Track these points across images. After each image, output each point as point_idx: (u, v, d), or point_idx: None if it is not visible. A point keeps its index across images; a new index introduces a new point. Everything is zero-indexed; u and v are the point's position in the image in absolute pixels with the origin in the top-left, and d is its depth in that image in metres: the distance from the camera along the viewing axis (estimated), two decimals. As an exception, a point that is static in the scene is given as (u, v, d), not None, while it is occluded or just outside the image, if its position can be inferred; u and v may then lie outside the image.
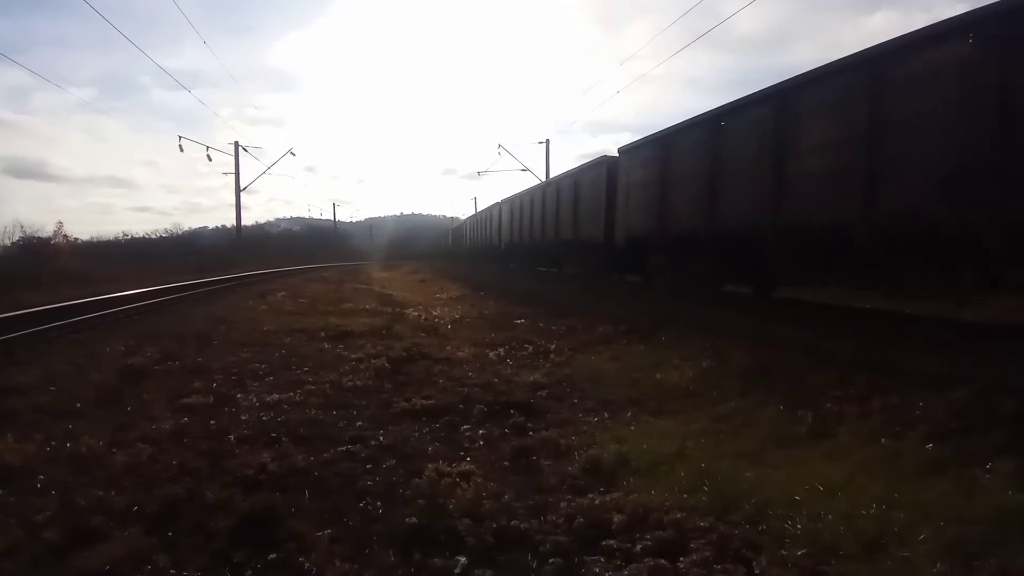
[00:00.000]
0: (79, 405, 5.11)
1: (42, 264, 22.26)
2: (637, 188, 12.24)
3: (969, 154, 5.67)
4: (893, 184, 6.41)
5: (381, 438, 4.34)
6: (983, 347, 5.57)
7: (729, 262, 9.98)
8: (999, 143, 5.34)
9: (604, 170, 14.16)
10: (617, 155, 13.55)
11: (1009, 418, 3.85)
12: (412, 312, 12.50)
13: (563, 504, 3.19)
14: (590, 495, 3.29)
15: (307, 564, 2.62)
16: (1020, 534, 2.58)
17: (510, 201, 24.34)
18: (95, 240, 40.63)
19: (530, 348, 7.99)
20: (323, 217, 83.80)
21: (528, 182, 36.51)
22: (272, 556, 2.69)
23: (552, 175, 26.97)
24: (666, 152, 11.13)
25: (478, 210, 40.33)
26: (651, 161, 11.67)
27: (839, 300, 9.52)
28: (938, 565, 2.45)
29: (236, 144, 38.64)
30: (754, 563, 2.56)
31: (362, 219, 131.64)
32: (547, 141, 35.57)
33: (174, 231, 49.25)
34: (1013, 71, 5.23)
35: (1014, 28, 5.20)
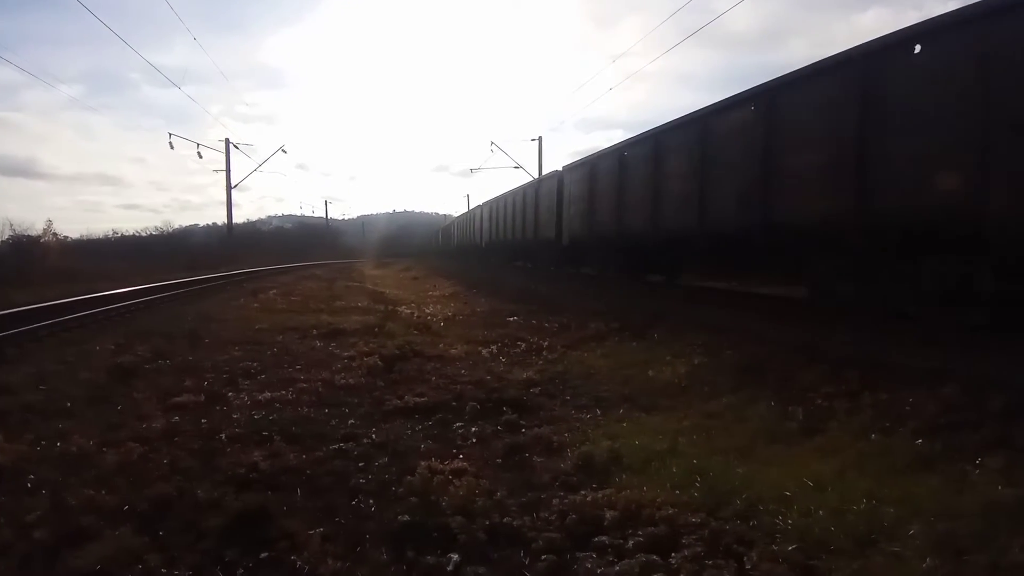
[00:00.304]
0: (69, 404, 5.08)
1: (32, 263, 22.13)
2: (575, 199, 15.43)
3: (749, 181, 8.38)
4: (713, 202, 9.32)
5: (373, 436, 4.34)
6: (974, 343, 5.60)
7: (637, 258, 13.03)
8: (765, 173, 8.04)
9: (556, 182, 17.19)
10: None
11: (998, 414, 3.88)
12: (404, 310, 12.48)
13: (555, 501, 3.19)
14: (582, 492, 3.30)
15: (299, 563, 2.61)
16: (1010, 529, 2.60)
17: (489, 204, 27.93)
18: (85, 238, 40.45)
19: (523, 345, 7.99)
20: (315, 215, 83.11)
21: (521, 179, 36.61)
22: (264, 555, 2.67)
23: (544, 172, 27.43)
24: (592, 172, 14.28)
25: (466, 210, 43.26)
26: (583, 179, 14.84)
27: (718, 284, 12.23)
28: (928, 560, 2.46)
29: (227, 141, 38.40)
30: (745, 558, 2.57)
31: (354, 217, 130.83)
32: (540, 138, 35.50)
33: (164, 229, 49.02)
34: (772, 129, 8.01)
35: (773, 101, 8.04)
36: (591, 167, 14.43)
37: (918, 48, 6.22)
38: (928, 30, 6.16)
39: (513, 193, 23.04)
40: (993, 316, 5.73)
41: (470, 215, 35.76)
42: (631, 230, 12.13)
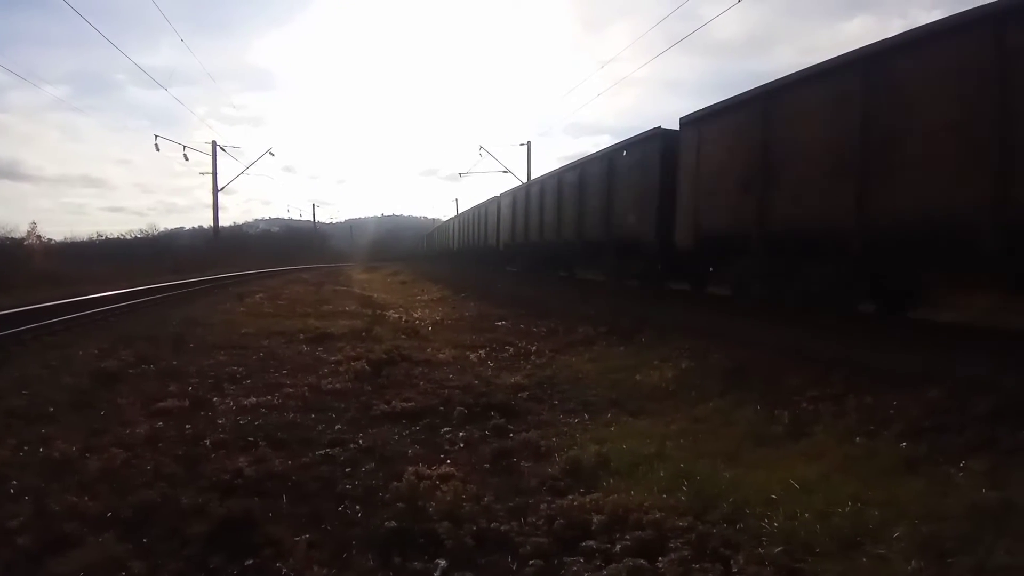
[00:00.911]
0: (52, 409, 5.01)
1: (15, 266, 21.83)
2: (505, 217, 22.18)
3: (645, 199, 11.87)
4: (581, 221, 14.78)
5: (360, 441, 4.31)
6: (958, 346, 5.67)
7: (548, 259, 18.46)
8: (658, 201, 11.61)
9: (496, 203, 23.85)
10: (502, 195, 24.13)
11: (982, 417, 3.92)
12: (392, 314, 12.43)
13: (543, 506, 3.19)
14: (570, 496, 3.29)
15: (284, 570, 2.59)
16: (993, 531, 2.63)
17: (458, 217, 37.55)
18: (69, 241, 40.07)
19: (511, 350, 7.99)
20: (302, 218, 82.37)
21: (509, 184, 37.06)
22: (249, 562, 2.65)
23: (533, 177, 28.05)
24: (514, 199, 20.86)
25: (445, 220, 51.84)
26: (509, 203, 21.50)
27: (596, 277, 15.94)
28: (913, 562, 2.48)
29: (214, 143, 38.26)
30: (732, 562, 2.58)
31: (342, 220, 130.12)
32: (528, 143, 35.64)
33: (150, 232, 48.70)
34: (664, 163, 11.87)
35: (666, 142, 11.42)
36: (513, 195, 21.24)
37: (625, 152, 12.51)
38: (629, 144, 12.38)
39: (471, 210, 30.79)
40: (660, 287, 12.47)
41: (447, 225, 45.60)
42: (531, 239, 18.66)
